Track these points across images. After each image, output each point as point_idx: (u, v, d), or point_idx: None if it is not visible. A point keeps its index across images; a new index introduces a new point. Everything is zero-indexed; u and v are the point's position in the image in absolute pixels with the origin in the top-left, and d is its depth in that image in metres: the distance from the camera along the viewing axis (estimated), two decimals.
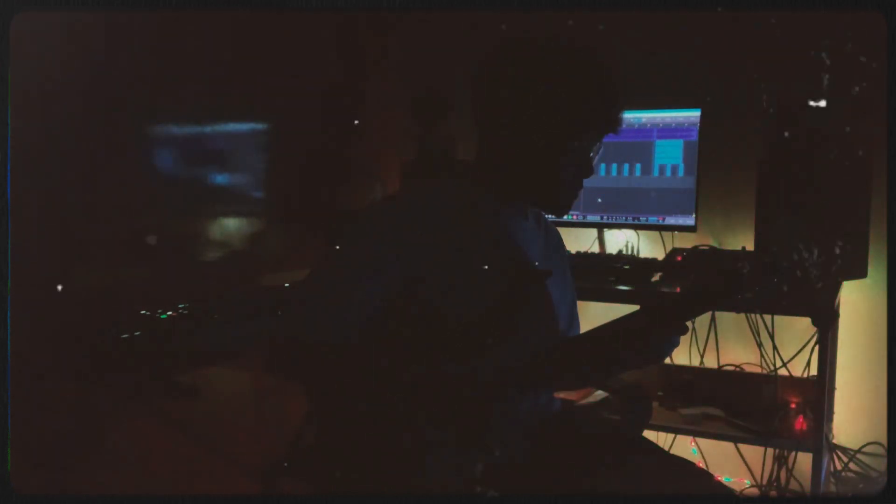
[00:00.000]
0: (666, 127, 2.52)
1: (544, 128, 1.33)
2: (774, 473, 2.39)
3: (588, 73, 1.33)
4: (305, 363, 1.28)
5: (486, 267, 1.35)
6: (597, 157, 1.41)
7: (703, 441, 2.58)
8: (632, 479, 1.37)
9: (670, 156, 2.51)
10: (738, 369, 2.53)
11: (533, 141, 1.34)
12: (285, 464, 1.90)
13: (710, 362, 2.58)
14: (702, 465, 2.58)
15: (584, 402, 1.61)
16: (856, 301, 2.46)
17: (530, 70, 1.32)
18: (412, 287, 1.29)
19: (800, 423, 2.22)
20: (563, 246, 1.62)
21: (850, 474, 2.45)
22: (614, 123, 1.38)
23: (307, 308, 1.30)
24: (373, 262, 1.29)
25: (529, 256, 1.43)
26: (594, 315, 2.53)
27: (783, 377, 2.37)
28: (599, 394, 1.62)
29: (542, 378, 1.36)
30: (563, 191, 1.40)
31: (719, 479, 1.42)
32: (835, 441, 2.46)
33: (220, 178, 2.38)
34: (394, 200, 1.48)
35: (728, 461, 2.52)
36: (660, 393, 2.46)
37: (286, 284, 2.33)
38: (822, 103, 2.22)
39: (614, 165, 2.58)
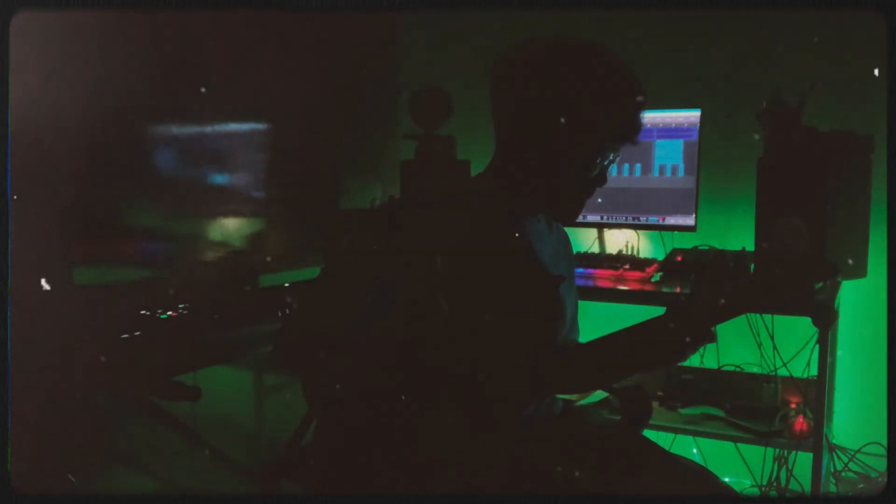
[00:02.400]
0: (666, 127, 2.52)
1: (564, 136, 1.31)
2: (774, 473, 2.39)
3: (613, 85, 1.32)
4: (313, 360, 1.28)
5: (500, 269, 1.34)
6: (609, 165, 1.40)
7: (703, 441, 2.58)
8: (633, 479, 1.37)
9: (670, 156, 2.51)
10: (738, 369, 2.53)
11: (551, 150, 1.33)
12: (285, 464, 1.90)
13: (710, 362, 2.58)
14: (700, 464, 2.58)
15: (583, 401, 1.61)
16: (856, 301, 2.46)
17: (554, 77, 1.30)
18: (423, 288, 1.28)
19: (800, 423, 2.22)
20: (570, 248, 1.61)
21: (850, 474, 2.45)
22: (634, 133, 1.37)
23: (316, 306, 1.30)
24: (382, 262, 1.29)
25: (542, 259, 1.42)
26: (594, 315, 2.53)
27: (783, 377, 2.37)
28: (599, 394, 1.62)
29: (563, 381, 1.35)
30: (574, 201, 1.40)
31: (719, 478, 1.41)
32: (835, 441, 2.46)
33: (220, 178, 2.39)
34: (404, 200, 1.47)
35: (728, 461, 2.51)
36: (660, 393, 2.46)
37: (286, 284, 2.33)
38: (822, 103, 2.22)
39: (614, 165, 2.57)
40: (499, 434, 1.32)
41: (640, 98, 1.34)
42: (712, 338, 1.30)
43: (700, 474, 1.43)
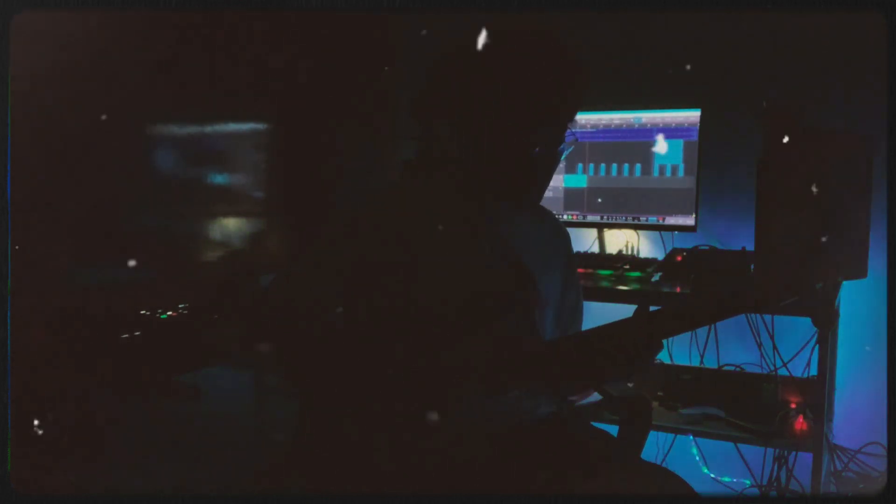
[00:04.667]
0: (666, 127, 2.52)
1: (498, 120, 1.32)
2: (774, 473, 2.39)
3: (550, 68, 1.33)
4: (288, 335, 1.29)
5: (466, 261, 1.35)
6: (565, 147, 1.40)
7: (703, 441, 2.58)
8: (596, 482, 1.36)
9: (670, 156, 2.51)
10: (738, 369, 2.53)
11: (489, 132, 1.33)
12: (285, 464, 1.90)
13: (710, 362, 2.58)
14: (701, 464, 2.58)
15: (583, 402, 1.61)
16: (856, 301, 2.46)
17: (488, 65, 1.32)
18: (391, 276, 1.29)
19: (800, 423, 2.22)
20: (567, 245, 1.59)
21: (850, 474, 2.45)
22: (570, 113, 1.37)
23: (286, 288, 1.32)
24: (351, 250, 1.31)
25: (520, 254, 1.41)
26: (594, 315, 2.53)
27: (783, 377, 2.37)
28: (598, 395, 1.61)
29: (516, 378, 1.34)
30: (533, 181, 1.40)
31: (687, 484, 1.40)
32: (835, 441, 2.46)
33: (220, 178, 2.39)
34: (380, 194, 1.48)
35: (728, 461, 2.52)
36: (660, 393, 2.46)
37: None
38: (822, 103, 2.23)
39: (614, 165, 2.58)
40: (457, 428, 1.31)
41: (576, 81, 1.34)
42: (660, 346, 1.30)
43: (676, 483, 1.41)
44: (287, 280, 1.35)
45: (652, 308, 1.32)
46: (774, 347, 2.39)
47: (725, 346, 2.58)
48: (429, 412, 1.26)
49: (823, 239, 2.05)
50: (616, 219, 2.59)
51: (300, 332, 1.29)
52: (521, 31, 1.33)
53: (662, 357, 2.56)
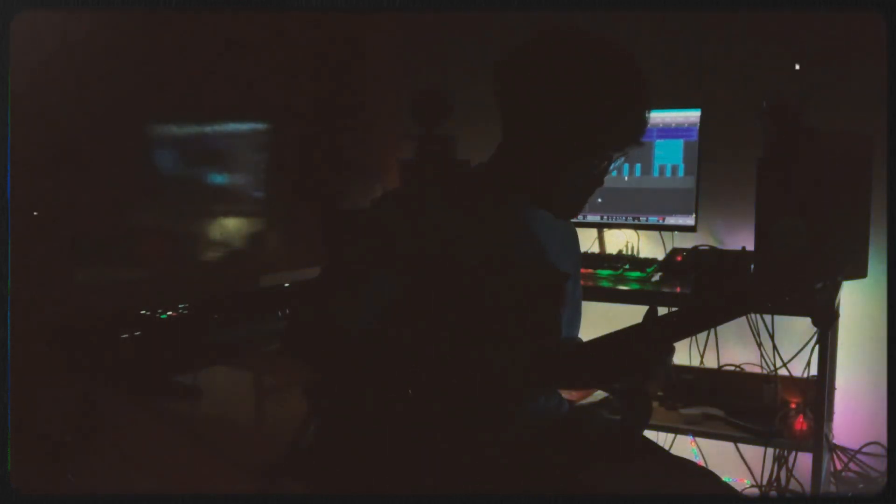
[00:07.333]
0: (666, 127, 2.52)
1: (570, 134, 1.31)
2: (774, 473, 2.39)
3: (627, 88, 1.32)
4: (322, 346, 1.28)
5: (505, 260, 1.34)
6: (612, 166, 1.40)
7: (703, 441, 2.58)
8: (633, 479, 1.37)
9: (670, 156, 2.51)
10: (738, 369, 2.53)
11: (556, 145, 1.32)
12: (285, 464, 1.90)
13: (710, 362, 2.58)
14: (702, 464, 2.58)
15: (584, 402, 1.61)
16: (856, 301, 2.46)
17: (568, 73, 1.28)
18: (426, 278, 1.28)
19: (800, 423, 2.23)
20: (578, 241, 1.59)
21: (850, 474, 2.45)
22: (639, 138, 1.37)
23: (323, 296, 1.30)
24: (385, 251, 1.29)
25: (548, 253, 1.42)
26: (594, 315, 2.53)
27: (783, 377, 2.37)
28: (599, 394, 1.61)
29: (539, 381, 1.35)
30: (575, 199, 1.39)
31: (721, 479, 1.41)
32: (835, 441, 2.46)
33: (220, 178, 2.39)
34: (406, 191, 1.46)
35: (728, 461, 2.51)
36: (660, 393, 2.46)
37: (286, 284, 2.33)
38: (822, 103, 2.22)
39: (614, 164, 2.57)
40: (508, 430, 1.31)
41: (648, 104, 1.34)
42: (671, 350, 1.30)
43: (703, 474, 1.42)
44: (321, 287, 1.32)
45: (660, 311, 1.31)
46: (774, 347, 2.39)
47: (725, 346, 2.58)
48: (480, 412, 1.26)
49: (823, 239, 2.05)
50: (616, 219, 2.59)
51: (339, 341, 1.27)
52: (590, 41, 1.31)
53: None
